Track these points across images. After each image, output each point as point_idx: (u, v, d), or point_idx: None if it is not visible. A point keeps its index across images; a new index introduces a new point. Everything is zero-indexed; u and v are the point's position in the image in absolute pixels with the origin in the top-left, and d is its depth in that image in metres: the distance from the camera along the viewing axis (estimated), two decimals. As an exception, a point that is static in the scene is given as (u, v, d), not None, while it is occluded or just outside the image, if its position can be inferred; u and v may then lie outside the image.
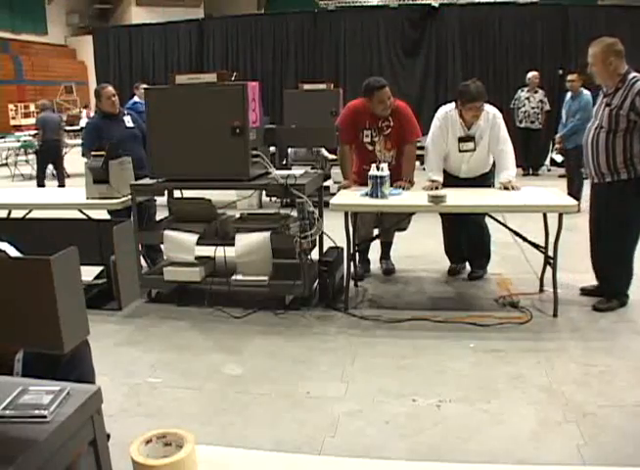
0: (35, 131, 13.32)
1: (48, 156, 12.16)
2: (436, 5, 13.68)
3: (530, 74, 11.55)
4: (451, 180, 5.37)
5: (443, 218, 5.71)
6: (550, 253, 4.84)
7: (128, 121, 5.77)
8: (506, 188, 5.04)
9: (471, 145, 5.22)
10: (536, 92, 11.55)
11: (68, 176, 13.05)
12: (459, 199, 4.80)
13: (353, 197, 4.97)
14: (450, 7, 13.95)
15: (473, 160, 5.33)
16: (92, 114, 21.57)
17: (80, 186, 5.38)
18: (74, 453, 1.64)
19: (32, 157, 15.27)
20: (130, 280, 1.24)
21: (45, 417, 1.54)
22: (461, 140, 5.24)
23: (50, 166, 12.58)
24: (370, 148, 5.46)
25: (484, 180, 5.43)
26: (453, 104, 5.28)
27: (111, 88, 5.79)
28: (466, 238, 5.68)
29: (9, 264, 1.25)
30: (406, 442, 3.18)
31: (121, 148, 5.33)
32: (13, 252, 1.48)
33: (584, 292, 5.14)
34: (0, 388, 1.72)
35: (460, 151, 5.27)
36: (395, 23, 13.65)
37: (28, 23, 28.13)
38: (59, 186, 11.92)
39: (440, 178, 5.29)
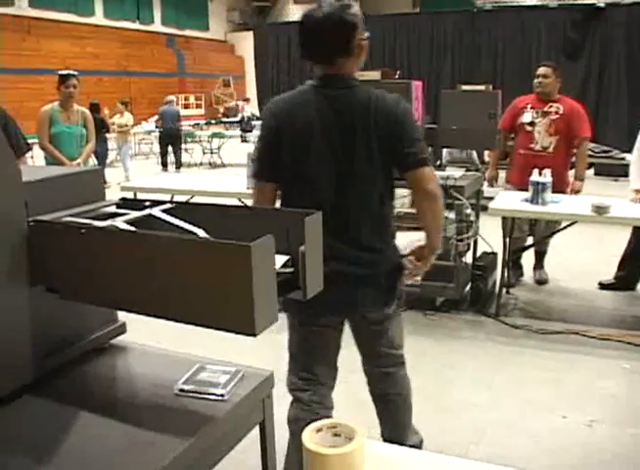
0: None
1: (166, 140, 14.48)
2: (602, 5, 13.04)
3: None
4: None
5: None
6: None
7: None
8: None
9: None
10: None
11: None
12: (629, 210, 4.54)
13: (513, 202, 4.84)
14: (617, 7, 13.23)
15: None
16: (247, 108, 22.39)
17: (235, 175, 5.57)
18: (246, 432, 1.70)
19: (191, 146, 16.24)
20: (316, 271, 1.25)
21: (223, 396, 1.60)
22: None
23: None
24: (528, 129, 5.38)
25: None
26: None
27: None
28: None
29: (209, 247, 1.31)
30: (553, 459, 3.08)
31: None
32: (203, 235, 1.54)
33: None
34: (178, 363, 1.82)
35: None
36: (556, 24, 13.15)
37: (192, 20, 29.50)
38: (176, 167, 14.55)
39: None
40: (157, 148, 16.82)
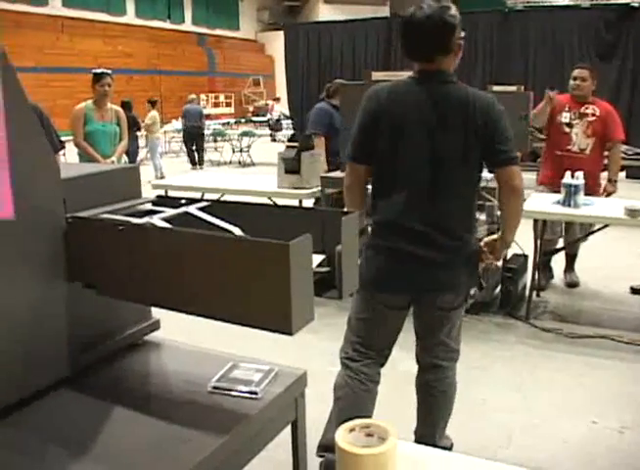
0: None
1: (189, 138, 15.14)
2: (636, 5, 12.82)
3: None
4: None
5: None
6: None
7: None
8: None
9: None
10: None
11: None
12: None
13: (544, 204, 4.79)
14: (652, 6, 13.01)
15: None
16: (277, 107, 22.49)
17: (264, 174, 5.57)
18: (278, 431, 1.70)
19: (221, 144, 16.42)
20: (352, 270, 1.26)
21: (257, 393, 1.61)
22: None
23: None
24: (566, 130, 5.30)
25: None
26: None
27: None
28: None
29: (247, 245, 1.31)
30: (582, 464, 3.03)
31: (334, 138, 5.58)
32: (239, 233, 1.55)
33: None
34: (211, 361, 1.83)
35: None
36: (589, 25, 12.97)
37: (223, 20, 29.67)
38: (198, 163, 15.18)
39: None
40: (186, 146, 17.06)
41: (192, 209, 1.70)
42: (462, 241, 2.60)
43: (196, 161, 15.28)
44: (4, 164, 1.45)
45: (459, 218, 2.60)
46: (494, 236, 2.81)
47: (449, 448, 2.94)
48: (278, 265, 1.24)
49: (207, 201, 1.78)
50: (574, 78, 5.32)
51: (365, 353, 2.77)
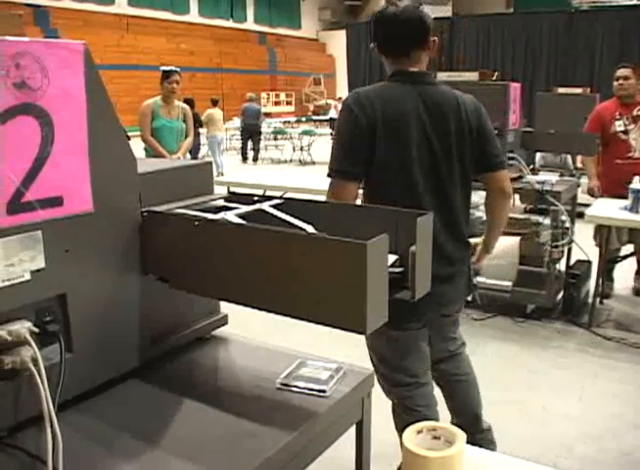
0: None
1: (246, 135, 15.99)
2: None
3: None
4: None
5: None
6: None
7: None
8: None
9: None
10: None
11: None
12: None
13: (611, 209, 4.68)
14: None
15: None
16: (338, 106, 22.58)
17: (324, 172, 5.57)
18: (344, 431, 1.70)
19: (282, 142, 16.72)
20: (425, 271, 1.25)
21: (325, 392, 1.61)
22: None
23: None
24: (623, 137, 5.17)
25: None
26: None
27: None
28: None
29: (323, 244, 1.32)
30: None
31: None
32: (312, 231, 1.56)
33: None
34: (278, 357, 1.84)
35: None
36: (658, 25, 12.64)
37: (284, 19, 29.88)
38: (253, 159, 16.14)
39: None
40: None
41: (266, 206, 1.71)
42: (469, 247, 2.58)
43: (247, 156, 16.08)
44: (85, 157, 1.49)
45: (465, 224, 2.51)
46: (478, 240, 2.76)
47: (490, 428, 2.90)
48: (354, 265, 1.24)
49: (281, 198, 1.79)
50: (617, 79, 5.22)
51: (412, 384, 2.63)
